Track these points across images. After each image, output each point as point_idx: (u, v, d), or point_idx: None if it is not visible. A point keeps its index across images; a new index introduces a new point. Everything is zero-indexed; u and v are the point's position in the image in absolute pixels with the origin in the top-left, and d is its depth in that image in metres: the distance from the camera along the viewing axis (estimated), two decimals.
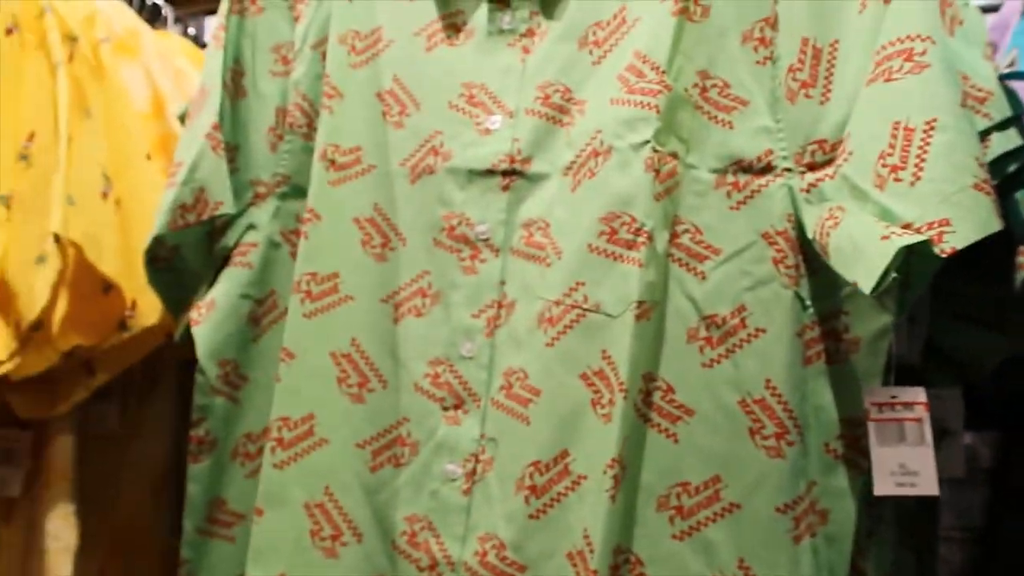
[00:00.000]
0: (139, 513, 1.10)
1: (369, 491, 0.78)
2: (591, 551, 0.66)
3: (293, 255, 0.88)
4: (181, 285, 0.93)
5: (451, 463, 0.75)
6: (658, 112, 0.72)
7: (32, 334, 0.89)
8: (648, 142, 0.72)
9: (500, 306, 0.78)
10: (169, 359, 1.12)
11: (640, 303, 0.69)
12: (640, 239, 0.71)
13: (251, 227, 0.89)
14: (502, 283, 0.78)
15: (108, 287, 0.95)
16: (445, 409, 0.77)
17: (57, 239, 0.84)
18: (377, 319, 0.82)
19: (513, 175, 0.79)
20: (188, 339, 0.88)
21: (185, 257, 0.92)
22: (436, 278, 0.81)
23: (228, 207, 0.87)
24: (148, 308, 0.95)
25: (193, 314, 0.86)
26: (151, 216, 0.97)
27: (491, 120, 0.82)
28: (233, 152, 0.90)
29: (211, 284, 0.89)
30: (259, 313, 0.88)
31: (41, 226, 0.89)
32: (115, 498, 1.08)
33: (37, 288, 0.86)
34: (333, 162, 0.85)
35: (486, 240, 0.79)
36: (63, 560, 0.97)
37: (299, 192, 0.89)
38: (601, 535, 0.65)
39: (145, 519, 1.10)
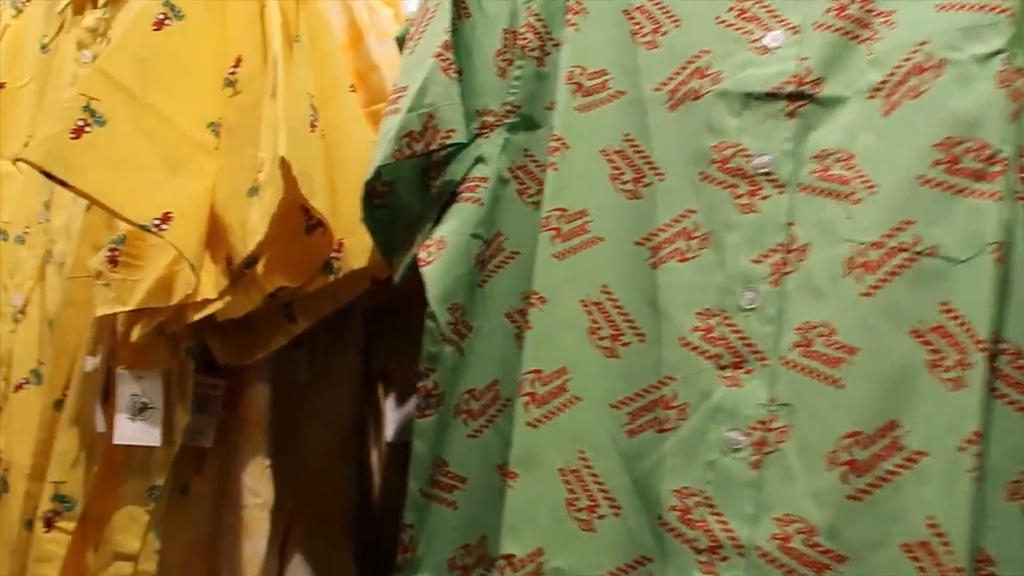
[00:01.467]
0: (325, 469, 1.03)
1: (627, 458, 0.67)
2: (944, 544, 0.53)
3: (520, 193, 0.78)
4: (395, 224, 0.84)
5: (732, 430, 0.64)
6: (1011, 16, 0.59)
7: (244, 272, 0.82)
8: (999, 52, 0.58)
9: (788, 250, 0.65)
10: (354, 309, 1.05)
11: (997, 245, 0.56)
12: (995, 168, 0.57)
13: (480, 160, 0.79)
14: (789, 224, 0.66)
15: (312, 226, 0.87)
16: (721, 368, 0.65)
17: (284, 164, 0.76)
18: (631, 264, 0.70)
19: (800, 99, 0.67)
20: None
21: (400, 194, 0.83)
22: (704, 217, 0.69)
23: (461, 135, 0.77)
24: (356, 249, 0.87)
25: (422, 254, 0.77)
26: (355, 151, 0.89)
27: (770, 37, 0.69)
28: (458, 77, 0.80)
29: (436, 222, 0.79)
30: (486, 255, 0.78)
31: (252, 155, 0.82)
32: (301, 452, 1.01)
33: (252, 221, 0.78)
34: (579, 85, 0.74)
35: (767, 174, 0.67)
36: (261, 516, 0.90)
37: (529, 124, 0.78)
38: (962, 525, 0.53)
39: (331, 476, 1.03)
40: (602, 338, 0.70)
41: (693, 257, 0.69)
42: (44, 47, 1.17)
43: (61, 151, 0.74)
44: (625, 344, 0.69)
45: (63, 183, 0.75)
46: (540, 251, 0.71)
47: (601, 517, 0.66)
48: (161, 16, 0.81)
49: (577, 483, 0.67)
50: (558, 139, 0.73)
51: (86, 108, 0.76)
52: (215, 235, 0.81)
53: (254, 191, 0.80)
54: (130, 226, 0.81)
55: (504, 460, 0.73)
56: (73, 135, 0.75)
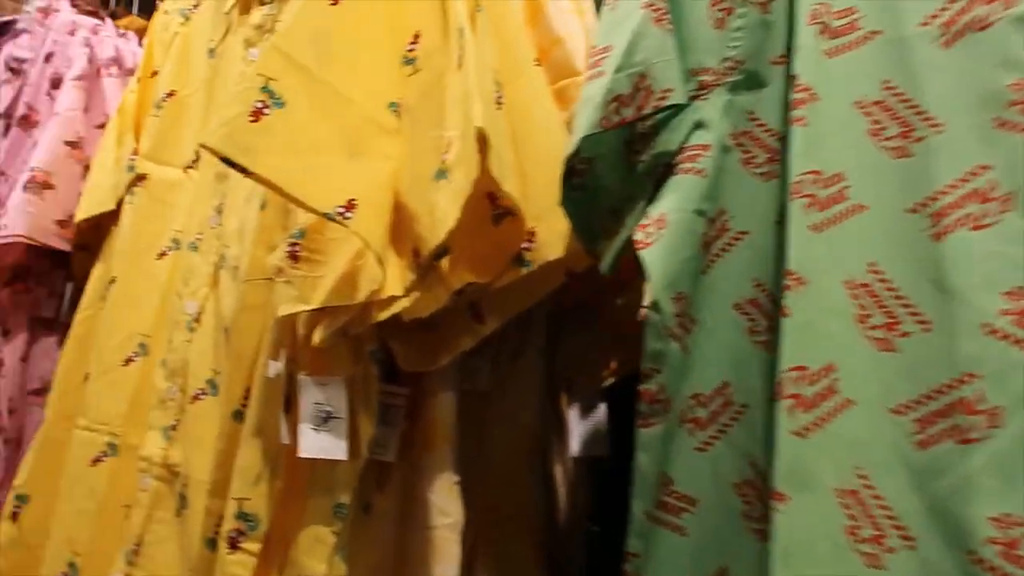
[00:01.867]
0: (511, 484, 0.93)
1: (919, 475, 0.53)
2: None
3: (745, 163, 0.66)
4: (594, 208, 0.73)
5: None
6: None
7: (433, 265, 0.73)
8: None
9: None
10: (537, 310, 0.95)
11: None
12: None
13: (699, 126, 0.67)
14: None
15: (499, 215, 0.77)
16: None
17: (480, 135, 0.67)
18: (903, 236, 0.57)
19: None
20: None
21: (598, 173, 0.73)
22: (1004, 173, 0.55)
23: (679, 95, 0.66)
24: (550, 238, 0.77)
25: (638, 235, 0.66)
26: (543, 131, 0.80)
27: None
28: None
29: (650, 200, 0.68)
30: (710, 236, 0.66)
31: (437, 136, 0.73)
32: (485, 466, 0.92)
33: (441, 207, 0.70)
34: (825, 26, 0.62)
35: None
36: (450, 538, 0.81)
37: (754, 82, 0.66)
38: None
39: (518, 493, 0.93)
40: (873, 328, 0.56)
41: (992, 223, 0.55)
42: (211, 52, 1.15)
43: (240, 135, 0.68)
44: (904, 335, 0.56)
45: (242, 169, 0.68)
46: (793, 222, 0.58)
47: (890, 550, 0.53)
48: None
49: (857, 507, 0.54)
50: (805, 89, 0.60)
51: (264, 89, 0.70)
52: (399, 225, 0.73)
53: (441, 174, 0.71)
54: (309, 219, 0.75)
55: (742, 478, 0.62)
56: (252, 118, 0.69)
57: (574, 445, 1.06)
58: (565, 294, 0.90)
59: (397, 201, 0.73)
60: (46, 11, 1.41)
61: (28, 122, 1.33)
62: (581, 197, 0.73)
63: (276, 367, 0.76)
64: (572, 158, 0.70)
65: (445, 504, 0.81)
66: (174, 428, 0.97)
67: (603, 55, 0.69)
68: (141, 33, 1.43)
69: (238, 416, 0.85)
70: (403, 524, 0.84)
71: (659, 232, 0.65)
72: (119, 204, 1.14)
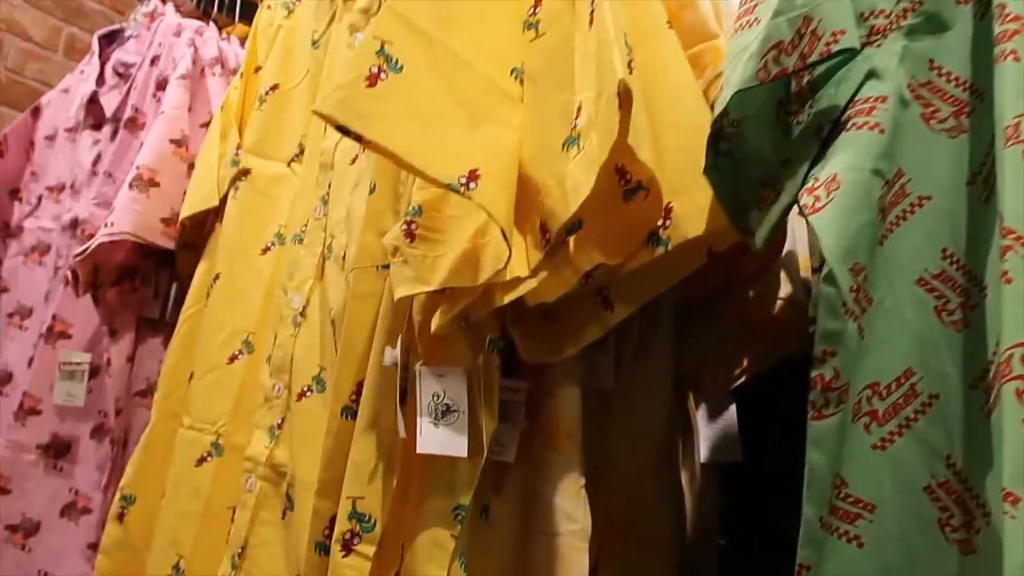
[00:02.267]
0: (636, 492, 0.85)
1: None
2: None
3: (926, 119, 0.57)
4: (743, 176, 0.66)
5: None
6: None
7: (564, 241, 0.66)
8: None
9: None
10: (666, 300, 0.87)
11: None
12: None
13: (872, 75, 0.59)
14: None
15: (631, 190, 0.70)
16: None
17: (623, 89, 0.60)
18: None
19: None
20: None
21: (748, 136, 0.65)
22: None
23: (851, 38, 0.58)
24: (689, 214, 0.69)
25: (805, 199, 0.57)
26: (678, 98, 0.72)
27: None
28: None
29: (814, 161, 0.60)
30: (887, 201, 0.57)
31: (565, 101, 0.67)
32: (608, 471, 0.84)
33: (574, 176, 0.63)
34: None
35: None
36: (578, 546, 0.73)
37: (935, 25, 0.58)
38: None
39: (644, 500, 0.85)
40: None
41: None
42: (315, 43, 1.12)
43: (355, 100, 0.63)
44: None
45: (357, 137, 0.63)
46: (1009, 172, 0.49)
47: None
48: None
49: None
50: (1016, 18, 0.51)
51: (380, 52, 0.64)
52: (524, 200, 0.66)
53: (571, 142, 0.64)
54: (425, 196, 0.69)
55: (934, 480, 0.53)
56: (368, 83, 0.63)
57: (703, 450, 0.97)
58: (693, 284, 0.81)
59: (521, 174, 0.67)
60: (152, 15, 1.41)
61: (135, 124, 1.33)
62: (728, 165, 0.65)
63: (392, 355, 0.71)
64: (720, 119, 0.62)
65: (571, 509, 0.74)
66: (280, 427, 0.93)
67: (757, 1, 0.62)
68: (243, 38, 1.42)
69: (348, 413, 0.79)
70: (524, 530, 0.77)
71: (831, 194, 0.56)
72: (223, 200, 1.11)
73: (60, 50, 1.81)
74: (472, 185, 0.62)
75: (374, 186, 0.83)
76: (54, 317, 1.24)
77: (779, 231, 0.71)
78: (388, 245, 0.67)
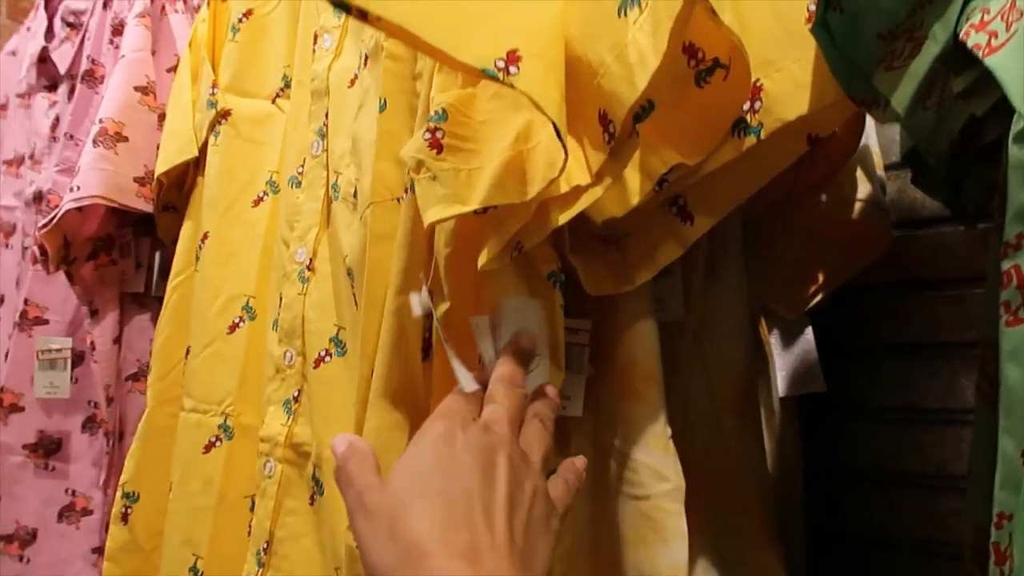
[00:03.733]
0: (718, 438, 0.73)
1: None
2: None
3: None
4: (856, 35, 0.52)
5: None
6: None
7: (632, 134, 0.53)
8: None
9: None
10: (733, 214, 0.74)
11: None
12: None
13: None
14: None
15: (705, 70, 0.56)
16: None
17: None
18: None
19: None
20: None
21: None
22: None
23: None
24: (784, 92, 0.55)
25: (975, 37, 0.43)
26: None
27: None
28: None
29: None
30: None
31: None
32: (682, 417, 0.72)
33: (639, 44, 0.49)
34: None
35: None
36: (673, 510, 0.61)
37: None
38: None
39: (727, 448, 0.73)
40: None
41: None
42: None
43: None
44: None
45: (365, 17, 0.49)
46: None
47: None
48: None
49: None
50: None
51: None
52: (576, 87, 0.53)
53: (629, 4, 0.51)
54: (449, 98, 0.55)
55: None
56: None
57: (781, 382, 0.85)
58: (763, 200, 0.68)
59: (569, 55, 0.53)
60: None
61: (93, 77, 1.17)
62: (840, 21, 0.51)
63: (422, 301, 0.57)
64: None
65: (660, 465, 0.61)
66: (296, 400, 0.80)
67: None
68: None
69: None
70: (602, 496, 0.65)
71: (1013, 27, 0.42)
72: (203, 149, 0.97)
73: (3, 12, 1.64)
74: (512, 69, 0.48)
75: (384, 103, 0.69)
76: (27, 302, 1.11)
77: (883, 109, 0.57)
78: (409, 159, 0.53)
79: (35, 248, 1.03)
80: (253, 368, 0.88)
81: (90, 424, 1.11)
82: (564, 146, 0.51)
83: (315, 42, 0.85)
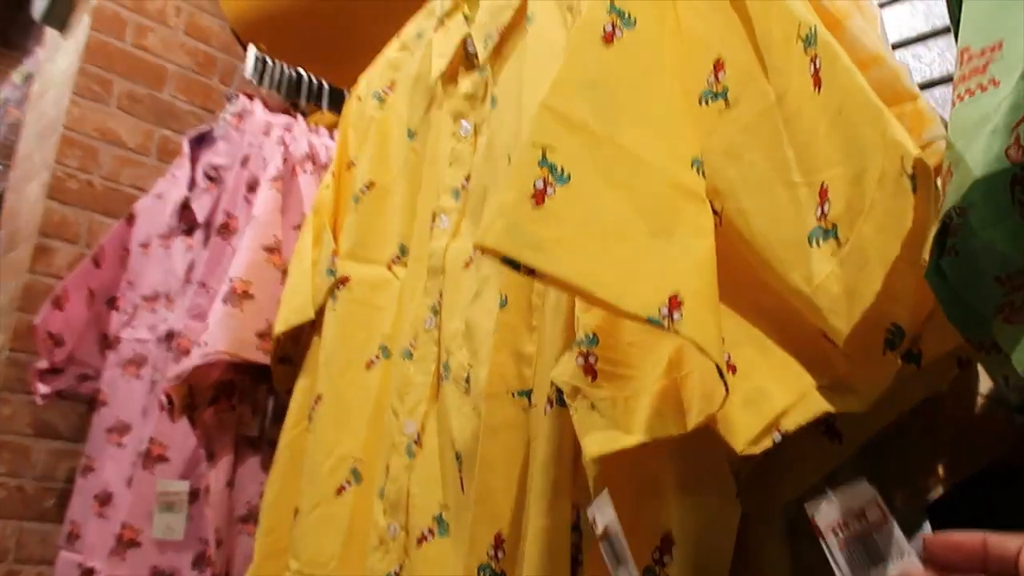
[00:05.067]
0: None
1: None
2: None
3: None
4: (972, 276, 0.50)
5: None
6: None
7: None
8: None
9: None
10: None
11: None
12: None
13: None
14: None
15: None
16: None
17: (919, 168, 0.46)
18: None
19: None
20: None
21: (973, 227, 0.50)
22: None
23: None
24: (943, 321, 0.54)
25: None
26: None
27: None
28: None
29: None
30: None
31: (787, 183, 0.53)
32: None
33: (843, 280, 0.48)
34: None
35: None
36: None
37: None
38: None
39: None
40: None
41: None
42: (411, 133, 1.02)
43: (523, 225, 0.50)
44: None
45: (530, 271, 0.51)
46: None
47: None
48: (609, 27, 0.57)
49: None
50: None
51: (542, 162, 0.52)
52: (767, 310, 0.52)
53: (823, 234, 0.50)
54: (594, 319, 0.56)
55: None
56: (534, 201, 0.51)
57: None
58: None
59: (751, 279, 0.53)
60: (240, 115, 1.35)
61: (227, 230, 1.26)
62: (956, 264, 0.50)
63: (606, 516, 0.55)
64: (951, 210, 0.48)
65: None
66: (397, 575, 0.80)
67: (988, 57, 0.48)
68: (332, 128, 1.35)
69: (487, 573, 0.66)
70: None
71: None
72: (320, 311, 1.01)
73: (153, 153, 1.79)
74: (676, 316, 0.49)
75: (505, 299, 0.71)
76: (151, 440, 1.16)
77: None
78: (563, 385, 0.54)
79: (162, 396, 1.09)
80: (357, 533, 0.89)
81: (200, 562, 1.14)
82: (725, 384, 0.50)
83: (433, 221, 0.89)
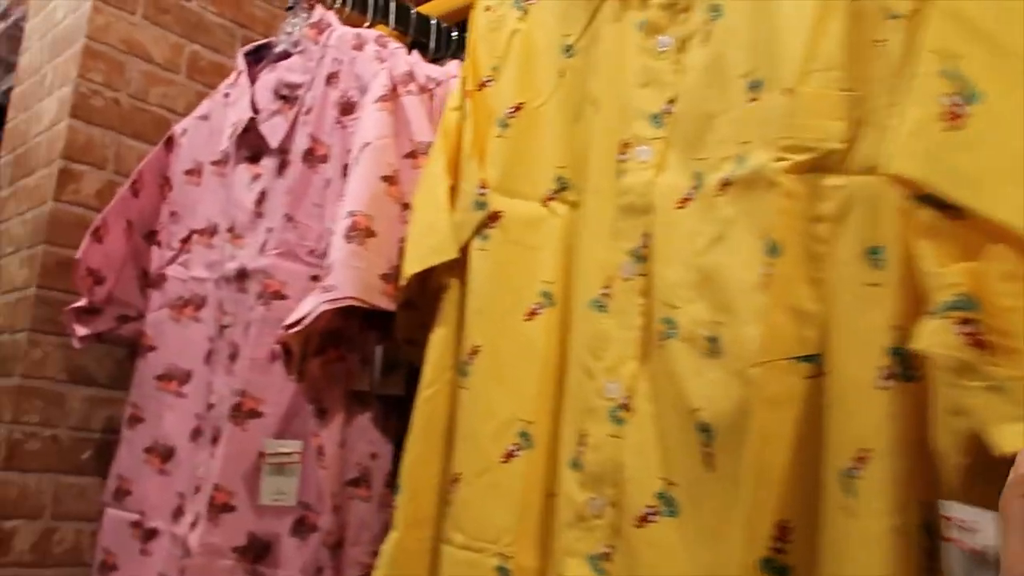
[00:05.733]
0: None
1: None
2: None
3: None
4: None
5: None
6: None
7: None
8: None
9: None
10: None
11: None
12: None
13: None
14: None
15: None
16: None
17: None
18: None
19: None
20: None
21: None
22: None
23: None
24: None
25: None
26: None
27: None
28: None
29: None
30: None
31: None
32: None
33: None
34: None
35: None
36: None
37: None
38: None
39: None
40: None
41: None
42: (568, 49, 0.88)
43: (940, 152, 0.39)
44: None
45: (950, 208, 0.39)
46: None
47: None
48: None
49: None
50: None
51: (949, 74, 0.41)
52: None
53: None
54: (963, 273, 0.45)
55: None
56: (946, 122, 0.40)
57: None
58: None
59: None
60: (319, 27, 1.18)
61: (314, 156, 1.10)
62: None
63: (985, 535, 0.44)
64: None
65: None
66: (606, 558, 0.70)
67: None
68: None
69: (772, 569, 0.56)
70: None
71: None
72: (463, 250, 0.88)
73: (182, 70, 1.60)
74: None
75: (774, 245, 0.59)
76: (243, 393, 1.02)
77: None
78: (947, 359, 0.44)
79: (277, 346, 0.95)
80: (532, 504, 0.78)
81: (300, 527, 1.02)
82: None
83: (623, 152, 0.77)
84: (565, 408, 0.76)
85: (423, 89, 1.09)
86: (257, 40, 1.38)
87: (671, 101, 0.74)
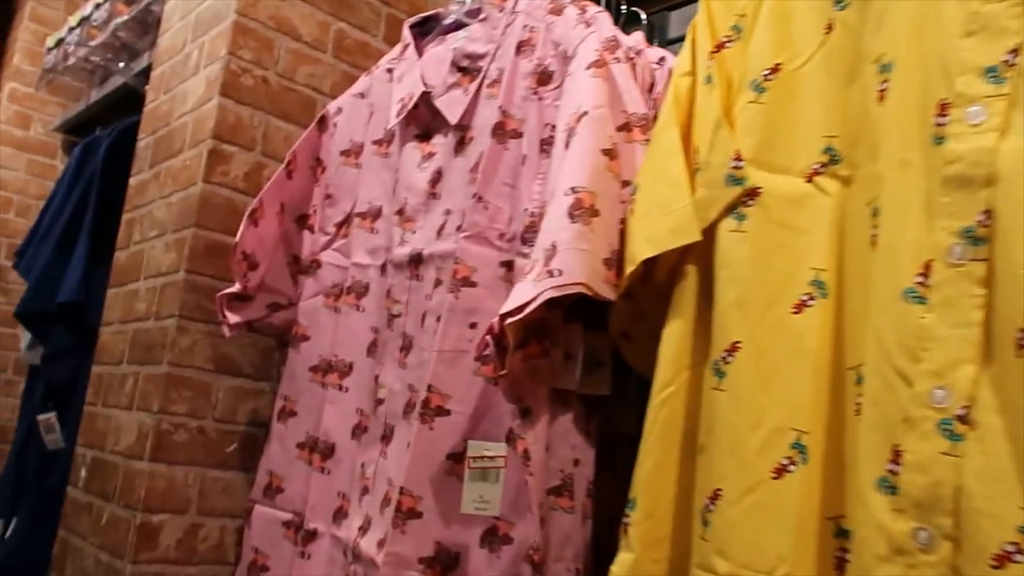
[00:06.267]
0: None
1: None
2: None
3: None
4: None
5: None
6: None
7: None
8: None
9: None
10: None
11: None
12: None
13: None
14: None
15: None
16: None
17: None
18: None
19: None
20: None
21: None
22: None
23: None
24: None
25: None
26: None
27: None
28: None
29: None
30: None
31: None
32: None
33: None
34: None
35: None
36: None
37: None
38: None
39: None
40: None
41: None
42: (840, 1, 0.76)
43: None
44: None
45: None
46: None
47: None
48: None
49: None
50: None
51: None
52: None
53: None
54: None
55: None
56: None
57: None
58: None
59: None
60: None
61: (504, 131, 1.00)
62: None
63: None
64: None
65: None
66: None
67: None
68: None
69: None
70: None
71: None
72: (707, 232, 0.76)
73: (329, 49, 1.52)
74: None
75: None
76: (430, 388, 0.92)
77: None
78: None
79: (487, 338, 0.85)
80: (809, 528, 0.66)
81: (490, 537, 0.91)
82: None
83: (942, 113, 0.64)
84: (866, 417, 0.63)
85: (628, 58, 0.97)
86: (403, 19, 1.29)
87: (1014, 51, 0.61)
